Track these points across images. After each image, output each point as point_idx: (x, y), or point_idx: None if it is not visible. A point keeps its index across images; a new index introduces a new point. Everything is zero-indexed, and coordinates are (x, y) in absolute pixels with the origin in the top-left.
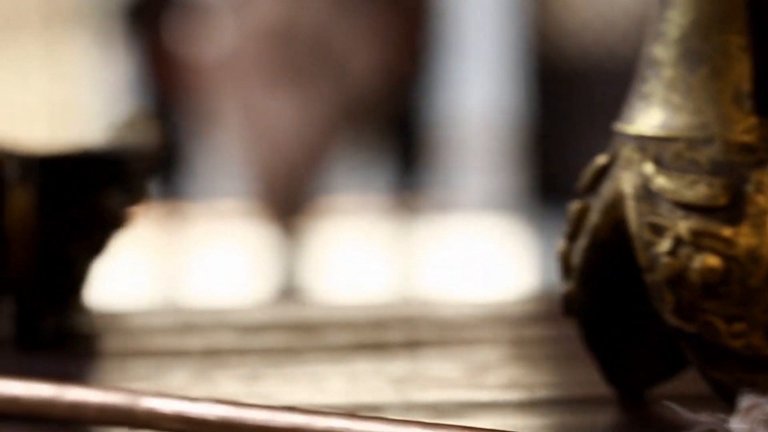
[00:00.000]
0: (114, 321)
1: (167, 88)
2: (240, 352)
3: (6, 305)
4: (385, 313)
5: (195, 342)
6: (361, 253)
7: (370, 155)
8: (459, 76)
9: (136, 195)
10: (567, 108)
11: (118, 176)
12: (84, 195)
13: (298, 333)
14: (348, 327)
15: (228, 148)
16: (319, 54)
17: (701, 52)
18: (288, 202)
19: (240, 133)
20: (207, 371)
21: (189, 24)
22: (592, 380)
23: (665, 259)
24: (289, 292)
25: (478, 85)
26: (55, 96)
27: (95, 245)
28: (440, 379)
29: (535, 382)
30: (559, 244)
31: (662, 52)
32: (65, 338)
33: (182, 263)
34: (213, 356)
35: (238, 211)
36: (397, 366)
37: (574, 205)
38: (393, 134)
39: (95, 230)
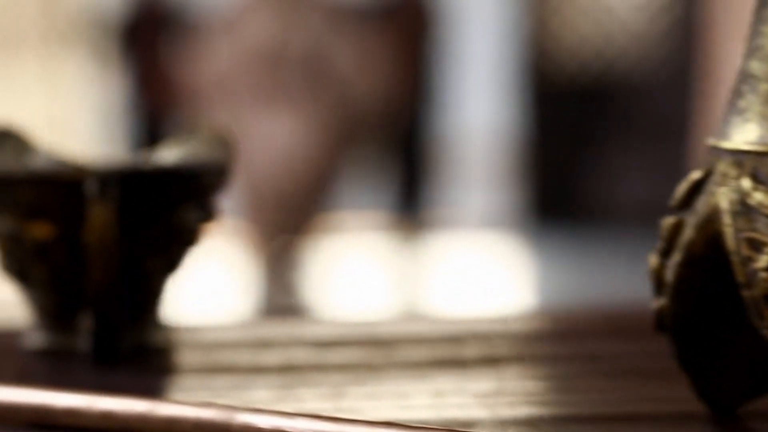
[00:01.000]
0: (190, 336)
1: (160, 106)
2: (319, 368)
3: (84, 320)
4: (460, 329)
5: (273, 357)
6: (364, 269)
7: (373, 173)
8: (460, 94)
9: (208, 211)
10: (566, 124)
11: (193, 192)
12: (161, 211)
13: (374, 348)
14: (424, 342)
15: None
16: (317, 74)
17: None
18: (282, 220)
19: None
20: (289, 387)
21: (183, 44)
22: (678, 396)
23: (764, 275)
24: (287, 309)
25: (478, 103)
26: (53, 112)
27: (171, 261)
28: (526, 394)
29: (621, 397)
30: (652, 260)
31: (758, 66)
32: (142, 353)
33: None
34: (292, 372)
35: (230, 230)
36: (481, 381)
37: (668, 221)
38: (395, 152)
39: (171, 246)
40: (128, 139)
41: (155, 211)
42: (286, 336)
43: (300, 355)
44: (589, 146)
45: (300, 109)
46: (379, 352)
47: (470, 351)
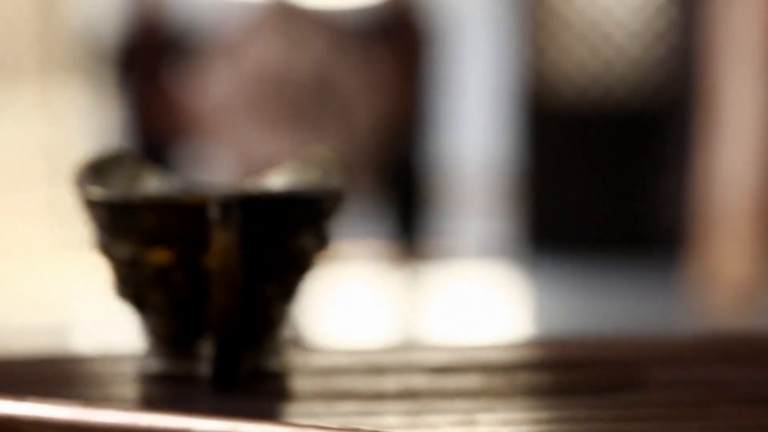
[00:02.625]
0: (304, 361)
1: (160, 131)
2: (441, 394)
3: (203, 345)
4: (572, 354)
5: (390, 383)
6: (362, 298)
7: (370, 201)
8: (457, 123)
9: (324, 237)
10: (562, 152)
11: (310, 218)
12: (279, 237)
13: (492, 374)
14: (542, 368)
15: None
16: (319, 98)
17: None
18: None
19: (234, 174)
20: (416, 413)
21: (184, 68)
22: None
23: None
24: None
25: (476, 131)
26: (51, 139)
27: (288, 287)
28: (653, 418)
29: (751, 424)
30: None
31: None
32: (259, 378)
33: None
34: (413, 397)
35: None
36: (606, 408)
37: None
38: (392, 181)
39: (288, 272)
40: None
41: (274, 237)
42: (399, 362)
43: (418, 381)
44: (585, 174)
45: (302, 132)
46: (500, 378)
47: (588, 376)
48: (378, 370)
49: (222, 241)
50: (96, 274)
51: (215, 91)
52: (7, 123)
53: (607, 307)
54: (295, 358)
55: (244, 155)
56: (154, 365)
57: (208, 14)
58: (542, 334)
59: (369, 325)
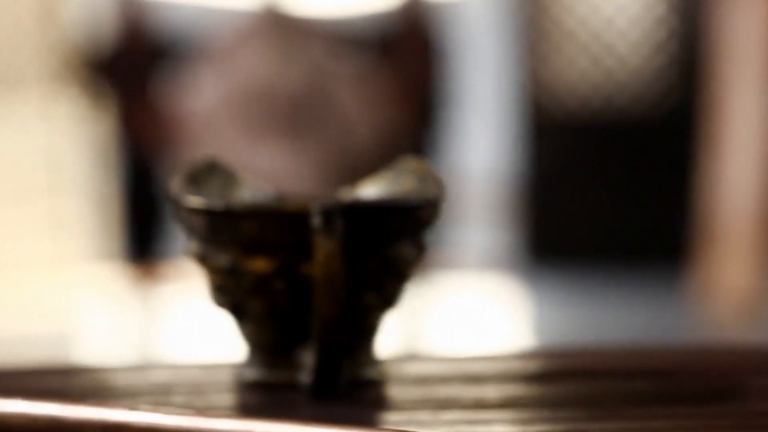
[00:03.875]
0: (400, 369)
1: (148, 142)
2: (545, 402)
3: (302, 354)
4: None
5: (491, 391)
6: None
7: None
8: (460, 133)
9: (422, 247)
10: (564, 162)
11: (409, 227)
12: (379, 245)
13: (590, 381)
14: (637, 376)
15: None
16: (314, 108)
17: None
18: None
19: None
20: (527, 422)
21: (172, 78)
22: None
23: None
24: None
25: (479, 142)
26: (49, 148)
27: (387, 296)
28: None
29: None
30: None
31: None
32: (359, 387)
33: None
34: (519, 406)
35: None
36: (692, 418)
37: None
38: None
39: (387, 281)
40: (121, 174)
41: (374, 245)
42: (496, 370)
43: (519, 390)
44: (589, 184)
45: (296, 145)
46: (600, 385)
47: (678, 384)
48: (476, 379)
49: (325, 250)
50: (96, 284)
51: (204, 102)
52: (7, 134)
53: (609, 318)
54: (392, 367)
55: (236, 166)
56: (252, 374)
57: (198, 24)
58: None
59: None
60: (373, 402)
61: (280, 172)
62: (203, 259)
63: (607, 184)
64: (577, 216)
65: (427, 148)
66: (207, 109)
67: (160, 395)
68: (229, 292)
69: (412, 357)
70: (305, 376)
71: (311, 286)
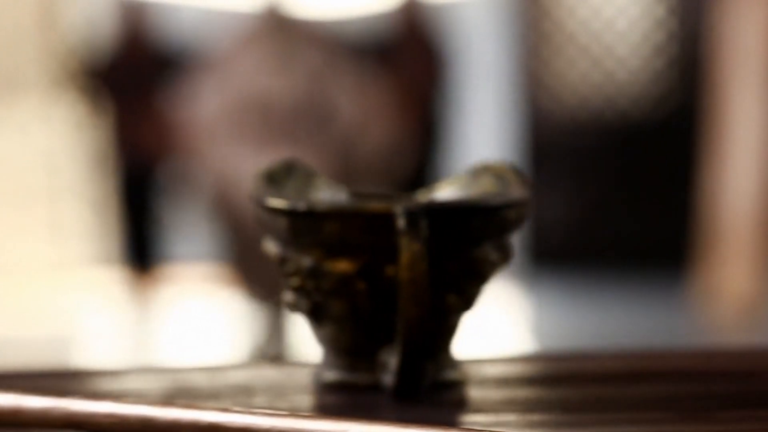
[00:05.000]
0: (480, 371)
1: (147, 149)
2: (630, 403)
3: (384, 355)
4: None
5: (570, 393)
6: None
7: None
8: (463, 138)
9: (505, 250)
10: (563, 166)
11: (493, 229)
12: (463, 247)
13: (672, 382)
14: (706, 377)
15: (205, 210)
16: (316, 116)
17: None
18: (270, 268)
19: (216, 196)
20: (616, 423)
21: (172, 85)
22: None
23: None
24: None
25: (481, 146)
26: (52, 152)
27: (469, 297)
28: None
29: None
30: None
31: None
32: (440, 388)
33: None
34: (603, 407)
35: (212, 275)
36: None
37: None
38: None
39: (469, 283)
40: (119, 178)
41: (458, 247)
42: (564, 371)
43: (595, 391)
44: (589, 187)
45: (297, 151)
46: (687, 387)
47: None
48: (547, 380)
49: (409, 251)
50: (95, 288)
51: (204, 108)
52: (6, 137)
53: (610, 323)
54: (472, 368)
55: (232, 175)
56: (332, 375)
57: (198, 29)
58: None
59: None
60: (457, 404)
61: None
62: (283, 260)
63: (608, 188)
64: (578, 219)
65: (429, 152)
66: (207, 116)
67: (240, 396)
68: (309, 294)
69: (491, 359)
70: (387, 378)
71: (393, 288)
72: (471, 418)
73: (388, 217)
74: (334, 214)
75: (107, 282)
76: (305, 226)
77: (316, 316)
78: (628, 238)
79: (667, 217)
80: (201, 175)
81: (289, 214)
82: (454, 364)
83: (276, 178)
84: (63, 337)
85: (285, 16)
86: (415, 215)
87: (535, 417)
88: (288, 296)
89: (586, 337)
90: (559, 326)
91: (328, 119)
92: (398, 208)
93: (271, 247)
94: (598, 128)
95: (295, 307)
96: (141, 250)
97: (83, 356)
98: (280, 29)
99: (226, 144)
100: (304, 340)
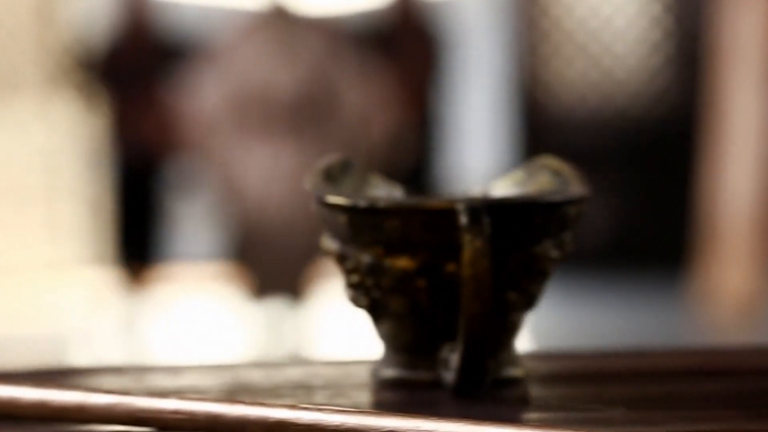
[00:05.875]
0: (540, 367)
1: (149, 143)
2: (698, 399)
3: (445, 351)
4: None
5: (638, 389)
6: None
7: None
8: (462, 135)
9: (564, 247)
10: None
11: (553, 225)
12: (523, 243)
13: (733, 379)
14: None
15: (210, 206)
16: (316, 111)
17: None
18: (278, 265)
19: (221, 190)
20: (696, 420)
21: (174, 79)
22: None
23: None
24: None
25: (478, 143)
26: (50, 150)
27: (529, 294)
28: None
29: None
30: None
31: None
32: (501, 385)
33: None
34: (672, 403)
35: (215, 273)
36: None
37: None
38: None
39: (529, 280)
40: (116, 176)
41: (519, 244)
42: (623, 367)
43: (658, 388)
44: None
45: (299, 144)
46: (754, 384)
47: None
48: (613, 376)
49: (472, 248)
50: (91, 288)
51: (206, 102)
52: (4, 135)
53: (608, 323)
54: (531, 365)
55: (236, 169)
56: (390, 372)
57: (199, 23)
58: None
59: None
60: (518, 401)
61: (283, 171)
62: (342, 257)
63: (606, 187)
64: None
65: (427, 146)
66: (209, 109)
67: (299, 393)
68: (368, 291)
69: (549, 355)
70: (448, 375)
71: (454, 284)
72: (533, 415)
73: (449, 214)
74: (394, 210)
75: (105, 281)
76: (366, 222)
77: (376, 313)
78: (627, 237)
79: (666, 216)
80: (203, 169)
81: (350, 210)
82: (515, 361)
83: (332, 175)
84: (61, 336)
85: (287, 9)
86: (477, 211)
87: (598, 414)
88: (347, 293)
89: (585, 337)
90: (557, 326)
91: (329, 112)
92: (460, 205)
93: (329, 243)
94: (596, 126)
95: (353, 304)
96: (142, 248)
97: (81, 355)
98: (282, 21)
99: (229, 137)
100: (307, 338)
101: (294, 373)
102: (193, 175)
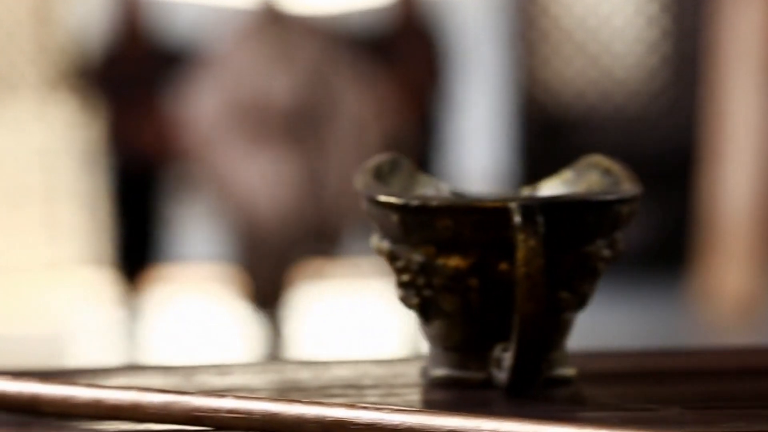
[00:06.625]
0: (590, 366)
1: (145, 148)
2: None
3: (497, 350)
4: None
5: (688, 389)
6: (358, 316)
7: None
8: (462, 135)
9: (616, 247)
10: (561, 163)
11: (606, 225)
12: (576, 243)
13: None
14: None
15: (208, 210)
16: (313, 114)
17: None
18: (276, 266)
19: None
20: (741, 417)
21: (170, 84)
22: None
23: None
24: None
25: (480, 144)
26: (48, 152)
27: (581, 294)
28: None
29: None
30: None
31: None
32: (553, 384)
33: None
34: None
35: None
36: None
37: None
38: None
39: (581, 279)
40: (113, 179)
41: (571, 243)
42: (674, 366)
43: (710, 387)
44: None
45: (296, 150)
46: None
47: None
48: (663, 375)
49: (526, 247)
50: (89, 288)
51: (203, 107)
52: (2, 136)
53: (609, 323)
54: (581, 364)
55: (233, 173)
56: (441, 371)
57: (196, 27)
58: None
59: (371, 341)
60: (570, 399)
61: (280, 175)
62: (393, 256)
63: None
64: None
65: (427, 147)
66: (206, 113)
67: (350, 392)
68: (419, 290)
69: (597, 354)
70: (500, 374)
71: (505, 283)
72: (588, 414)
73: (501, 213)
74: (447, 209)
75: (102, 281)
76: (418, 221)
77: (426, 312)
78: (627, 237)
79: (665, 216)
80: (200, 172)
81: (402, 209)
82: (566, 360)
83: (381, 173)
84: (59, 335)
85: (282, 12)
86: (531, 210)
87: (653, 413)
88: (397, 292)
89: (585, 337)
90: None
91: (327, 116)
92: (514, 204)
93: (380, 243)
94: (595, 124)
95: (403, 303)
96: (140, 249)
97: (78, 355)
98: (278, 25)
99: (226, 142)
100: (304, 341)
101: (342, 372)
102: (191, 178)
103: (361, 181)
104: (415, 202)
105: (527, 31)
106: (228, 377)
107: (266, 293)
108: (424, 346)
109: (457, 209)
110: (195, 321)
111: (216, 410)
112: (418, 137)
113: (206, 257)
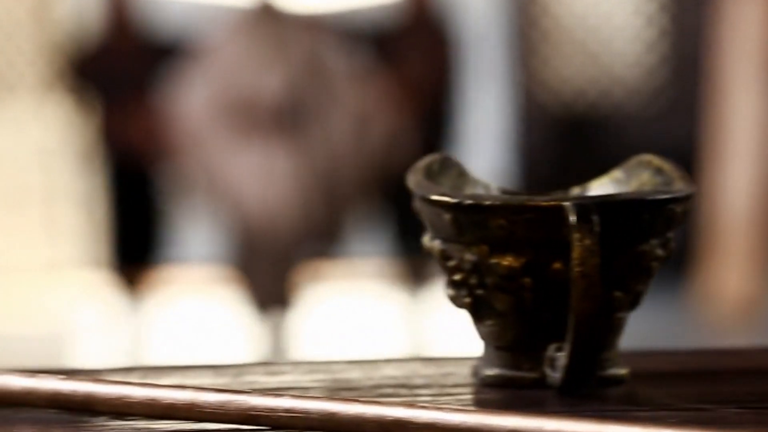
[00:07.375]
0: (643, 366)
1: (137, 146)
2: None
3: (549, 350)
4: None
5: (731, 388)
6: (358, 316)
7: (371, 220)
8: (462, 133)
9: (669, 246)
10: (561, 162)
11: (659, 224)
12: (630, 242)
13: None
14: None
15: (204, 209)
16: (307, 111)
17: None
18: (274, 267)
19: (214, 192)
20: None
21: (164, 80)
22: None
23: None
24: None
25: (483, 146)
26: (42, 150)
27: (634, 293)
28: None
29: None
30: None
31: None
32: (603, 384)
33: None
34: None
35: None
36: None
37: None
38: (394, 197)
39: (636, 278)
40: (110, 178)
41: (626, 242)
42: (728, 365)
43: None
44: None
45: (291, 147)
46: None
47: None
48: (717, 374)
49: (581, 246)
50: (88, 290)
51: (197, 103)
52: (2, 135)
53: None
54: (634, 364)
55: (228, 171)
56: (493, 371)
57: (189, 22)
58: None
59: (374, 341)
60: (623, 399)
61: (276, 172)
62: (445, 256)
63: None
64: None
65: (428, 145)
66: (199, 111)
67: (401, 391)
68: (472, 289)
69: (646, 353)
70: (554, 374)
71: (559, 283)
72: (643, 414)
73: (555, 211)
74: (500, 208)
75: (101, 282)
76: (470, 220)
77: (478, 312)
78: None
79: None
80: (194, 171)
81: (454, 208)
82: (618, 360)
83: (432, 172)
84: (57, 336)
85: (276, 6)
86: (586, 209)
87: (709, 413)
88: (448, 291)
89: None
90: None
91: (323, 113)
92: (569, 203)
93: (431, 242)
94: (594, 123)
95: (453, 303)
96: (138, 250)
97: (77, 356)
98: (271, 19)
99: (220, 139)
100: (306, 342)
101: (392, 372)
102: (187, 177)
103: (412, 180)
104: (468, 201)
105: (528, 30)
106: (277, 377)
107: (265, 293)
108: (427, 348)
109: (511, 208)
110: (195, 321)
111: (273, 409)
112: (419, 135)
113: (206, 257)
